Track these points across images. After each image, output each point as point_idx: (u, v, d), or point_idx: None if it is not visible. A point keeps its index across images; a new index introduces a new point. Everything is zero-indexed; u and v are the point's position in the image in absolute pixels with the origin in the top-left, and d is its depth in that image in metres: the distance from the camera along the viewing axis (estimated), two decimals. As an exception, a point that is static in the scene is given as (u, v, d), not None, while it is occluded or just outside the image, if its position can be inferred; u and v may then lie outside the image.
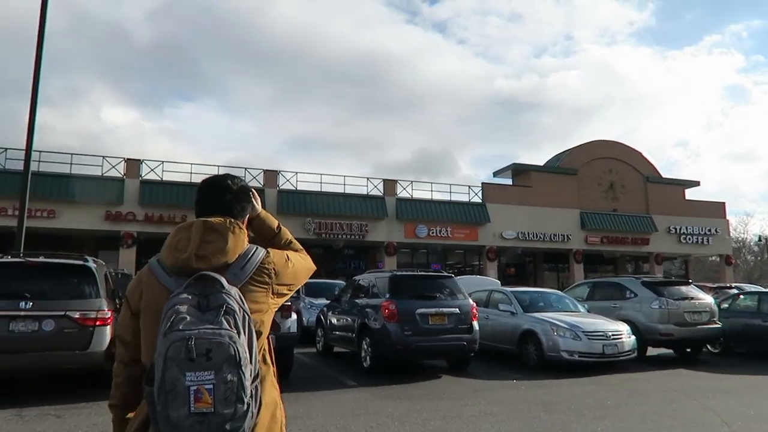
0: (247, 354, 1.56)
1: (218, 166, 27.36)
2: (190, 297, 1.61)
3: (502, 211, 30.45)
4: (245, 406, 1.53)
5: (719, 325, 11.16)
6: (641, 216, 33.63)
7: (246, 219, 1.99)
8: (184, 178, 26.46)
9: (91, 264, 7.86)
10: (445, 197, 30.70)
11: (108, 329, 7.37)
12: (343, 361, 10.74)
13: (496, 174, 34.37)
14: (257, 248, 1.84)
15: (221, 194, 1.92)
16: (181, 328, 1.52)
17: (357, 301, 10.30)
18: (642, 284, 11.53)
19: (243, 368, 1.53)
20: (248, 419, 1.55)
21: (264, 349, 1.81)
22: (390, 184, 29.57)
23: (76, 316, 7.20)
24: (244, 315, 1.62)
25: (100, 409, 6.39)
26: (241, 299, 1.64)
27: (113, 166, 25.41)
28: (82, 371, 7.33)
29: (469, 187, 31.22)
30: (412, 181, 30.26)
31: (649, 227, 33.41)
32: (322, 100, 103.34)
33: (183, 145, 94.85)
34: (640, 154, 35.42)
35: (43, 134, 79.80)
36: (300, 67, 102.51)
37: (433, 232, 29.18)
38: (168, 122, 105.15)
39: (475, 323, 9.46)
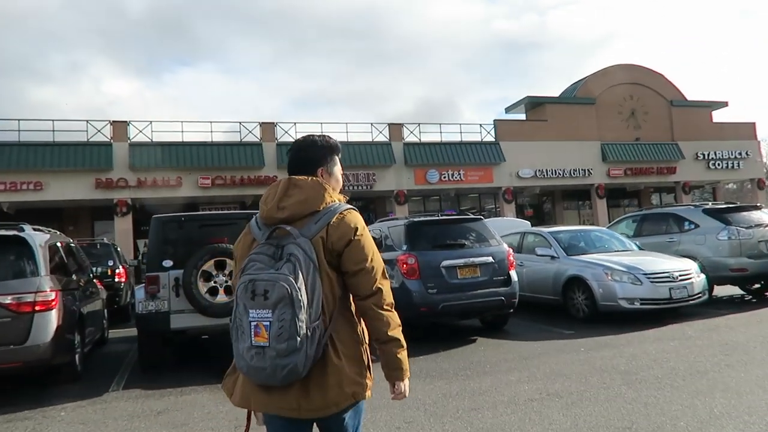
0: (304, 298, 1.74)
1: (210, 122, 25.48)
2: (268, 247, 1.85)
3: (518, 149, 28.39)
4: (297, 344, 1.70)
5: (798, 255, 9.42)
6: (666, 144, 31.41)
7: (327, 173, 2.09)
8: (175, 138, 24.64)
9: (28, 233, 6.20)
10: (456, 138, 28.64)
11: (53, 314, 5.78)
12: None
13: (508, 110, 32.14)
14: (337, 206, 1.94)
15: (300, 151, 2.10)
16: (249, 272, 1.79)
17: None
18: (704, 212, 9.72)
19: (297, 309, 1.70)
20: (300, 356, 1.71)
21: (350, 305, 1.95)
22: (396, 129, 27.53)
23: (8, 302, 5.59)
24: (309, 263, 1.79)
25: (46, 420, 4.86)
26: (310, 249, 1.81)
27: (99, 130, 23.59)
28: (22, 371, 5.78)
29: (481, 125, 29.09)
30: (419, 124, 28.20)
31: (676, 155, 31.25)
32: (322, 56, 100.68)
33: (186, 111, 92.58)
34: (663, 76, 32.86)
35: (47, 112, 77.70)
36: (298, 24, 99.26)
37: (444, 177, 27.30)
38: (168, 89, 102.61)
39: (513, 273, 7.78)
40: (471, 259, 7.44)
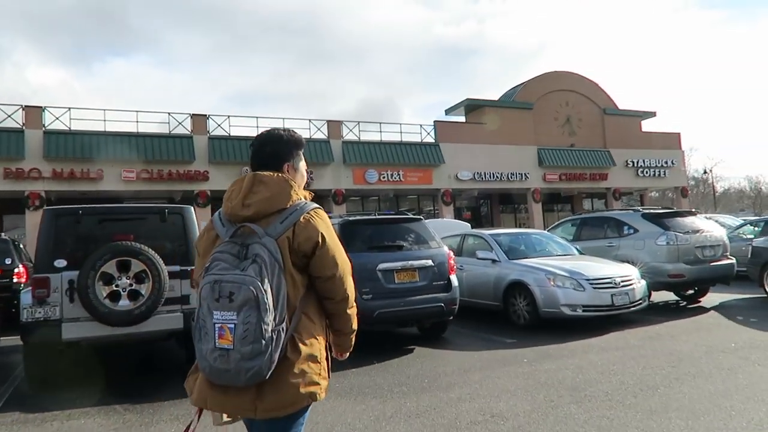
0: (270, 300, 1.71)
1: (136, 111, 23.89)
2: (232, 245, 1.81)
3: (457, 151, 28.32)
4: (263, 347, 1.68)
5: (732, 261, 9.45)
6: (599, 150, 32.26)
7: (293, 168, 2.07)
8: (97, 126, 22.96)
9: None
10: (396, 139, 28.24)
11: None
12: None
13: (448, 111, 32.07)
14: (303, 206, 1.91)
15: (265, 145, 2.06)
16: (213, 272, 1.75)
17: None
18: (643, 217, 9.62)
19: (263, 312, 1.69)
20: (265, 359, 1.69)
21: (310, 304, 1.91)
22: (335, 126, 26.84)
23: None
24: (274, 264, 1.76)
25: None
26: (275, 250, 1.78)
27: (9, 115, 21.60)
28: None
29: (421, 126, 28.84)
30: (358, 122, 27.61)
31: (608, 161, 32.14)
32: (262, 52, 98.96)
33: (117, 103, 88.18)
34: (596, 84, 33.75)
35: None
36: (237, 19, 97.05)
37: (384, 177, 26.84)
38: (99, 80, 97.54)
39: (454, 278, 7.30)
40: (410, 263, 6.90)
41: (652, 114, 35.31)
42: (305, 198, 1.98)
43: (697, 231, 9.22)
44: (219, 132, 24.69)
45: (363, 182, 26.61)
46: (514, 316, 8.18)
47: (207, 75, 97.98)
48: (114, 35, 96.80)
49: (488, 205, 33.59)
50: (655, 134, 34.87)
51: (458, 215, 28.63)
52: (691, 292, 9.90)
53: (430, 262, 7.01)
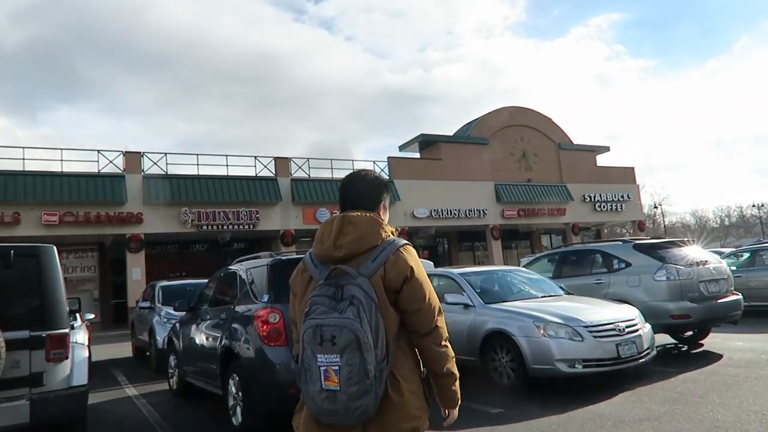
0: (371, 340, 1.75)
1: (61, 149, 21.63)
2: (327, 287, 1.84)
3: (412, 188, 27.07)
4: (368, 387, 1.73)
5: (740, 296, 8.15)
6: (556, 185, 31.67)
7: (384, 208, 2.13)
8: (14, 166, 20.54)
9: None
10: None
11: None
12: (205, 409, 6.61)
13: (402, 148, 30.96)
14: (392, 243, 1.94)
15: (360, 186, 2.09)
16: (313, 316, 1.80)
17: (220, 309, 6.18)
18: (635, 248, 8.26)
19: (365, 352, 1.73)
20: (371, 397, 1.75)
21: (404, 339, 1.93)
22: (282, 163, 25.21)
23: None
24: (371, 304, 1.79)
25: None
26: (369, 289, 1.82)
27: None
28: None
29: (374, 162, 27.60)
30: (308, 159, 26.11)
31: (565, 196, 31.53)
32: (212, 100, 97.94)
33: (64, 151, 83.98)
34: (550, 120, 33.45)
35: None
36: (186, 67, 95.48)
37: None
38: (45, 128, 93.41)
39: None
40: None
41: (606, 149, 35.24)
42: (392, 234, 2.01)
43: (699, 263, 7.89)
44: (155, 170, 22.66)
45: (314, 222, 24.90)
46: (495, 374, 6.56)
47: (156, 122, 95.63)
48: (60, 82, 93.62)
49: (446, 243, 32.31)
50: (611, 169, 34.70)
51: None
52: (689, 333, 8.55)
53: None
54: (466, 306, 7.08)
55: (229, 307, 5.87)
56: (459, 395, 2.03)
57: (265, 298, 5.13)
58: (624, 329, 6.22)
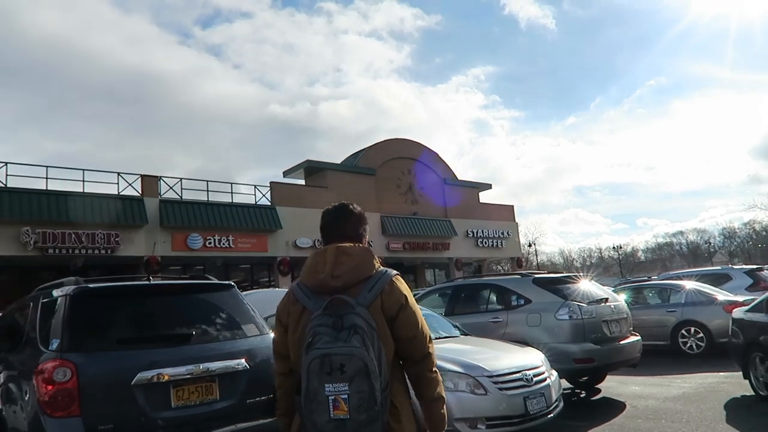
0: (377, 367, 1.78)
1: None
2: (327, 317, 1.84)
3: (295, 216, 25.55)
4: (376, 414, 1.76)
5: (639, 338, 7.58)
6: (441, 219, 31.65)
7: (365, 239, 2.25)
8: None
9: None
10: (226, 199, 24.72)
11: None
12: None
13: (286, 174, 29.44)
14: (385, 273, 2.03)
15: (344, 219, 2.20)
16: (318, 346, 1.78)
17: None
18: (535, 283, 7.47)
19: (373, 380, 1.75)
20: (378, 425, 1.78)
21: (397, 367, 2.01)
22: (150, 182, 22.63)
23: None
24: (372, 332, 1.83)
25: None
26: (369, 318, 1.86)
27: None
28: None
29: (256, 187, 25.74)
30: (181, 179, 23.71)
31: (449, 231, 31.57)
32: (85, 118, 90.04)
33: None
34: (437, 154, 33.67)
35: None
36: (55, 82, 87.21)
37: (210, 243, 23.00)
38: None
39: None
40: (203, 366, 3.75)
41: (489, 186, 36.09)
42: (381, 265, 2.07)
43: (601, 300, 7.25)
44: (-11, 182, 19.29)
45: (185, 248, 22.50)
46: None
47: (16, 139, 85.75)
48: None
49: (329, 276, 30.95)
50: (493, 206, 35.46)
51: (296, 287, 25.42)
52: (585, 378, 7.87)
53: (242, 363, 3.92)
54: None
55: (5, 356, 4.12)
56: (446, 418, 2.07)
57: (54, 344, 3.49)
58: (532, 379, 5.25)
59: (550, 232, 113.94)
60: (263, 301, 9.35)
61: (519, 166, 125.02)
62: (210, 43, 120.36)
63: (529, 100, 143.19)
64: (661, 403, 6.67)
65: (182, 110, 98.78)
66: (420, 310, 2.04)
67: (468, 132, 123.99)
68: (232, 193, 24.99)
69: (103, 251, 20.67)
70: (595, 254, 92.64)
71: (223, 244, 23.37)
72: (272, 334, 4.41)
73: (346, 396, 1.72)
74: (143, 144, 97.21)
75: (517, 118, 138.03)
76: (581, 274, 8.57)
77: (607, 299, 7.35)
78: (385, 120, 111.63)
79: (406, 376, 2.03)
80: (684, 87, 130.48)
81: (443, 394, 2.05)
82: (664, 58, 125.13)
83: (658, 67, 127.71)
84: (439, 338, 6.29)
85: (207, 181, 24.74)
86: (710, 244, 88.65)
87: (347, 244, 2.04)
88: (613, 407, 6.71)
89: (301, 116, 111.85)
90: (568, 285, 7.41)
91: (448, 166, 34.09)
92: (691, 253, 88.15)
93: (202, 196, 24.18)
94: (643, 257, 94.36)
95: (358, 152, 31.68)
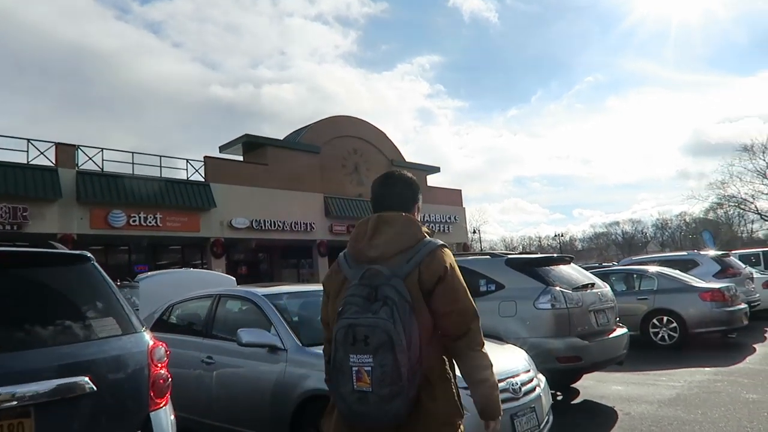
0: (404, 341, 1.68)
1: None
2: (362, 288, 1.78)
3: (232, 194, 23.63)
4: (400, 389, 1.67)
5: (626, 330, 6.44)
6: (388, 202, 30.36)
7: (418, 209, 2.09)
8: None
9: None
10: (154, 173, 22.50)
11: None
12: None
13: (223, 149, 27.30)
14: (428, 243, 1.88)
15: (394, 187, 2.06)
16: (346, 315, 1.74)
17: None
18: (509, 265, 6.18)
19: (398, 354, 1.66)
20: (403, 400, 1.68)
21: (438, 342, 1.86)
22: (66, 151, 20.16)
23: None
24: (404, 305, 1.73)
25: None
26: (403, 290, 1.76)
27: None
28: None
29: (188, 161, 23.58)
30: (102, 149, 21.29)
31: (396, 214, 30.34)
32: (18, 91, 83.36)
33: None
34: (385, 134, 32.30)
35: None
36: None
37: (135, 221, 20.82)
38: None
39: (164, 414, 2.75)
40: (6, 390, 2.20)
41: (437, 169, 35.06)
42: (427, 235, 1.95)
43: (587, 286, 6.05)
44: None
45: (105, 226, 20.26)
46: (313, 469, 3.88)
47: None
48: None
49: (268, 259, 29.15)
50: (441, 189, 34.47)
51: (233, 270, 23.52)
52: (569, 382, 6.68)
53: (82, 383, 2.38)
54: (273, 349, 4.31)
55: None
56: (499, 405, 1.89)
57: None
58: (520, 389, 3.94)
59: (491, 220, 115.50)
60: (175, 285, 7.73)
61: (462, 155, 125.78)
62: (149, 19, 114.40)
63: (472, 91, 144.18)
64: (657, 409, 5.55)
65: (119, 87, 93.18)
66: (464, 285, 1.87)
67: (413, 120, 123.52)
68: (161, 167, 22.77)
69: (8, 227, 18.20)
70: (535, 242, 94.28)
71: (150, 222, 21.23)
72: (146, 334, 2.88)
73: (369, 368, 1.67)
74: (78, 120, 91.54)
75: (461, 108, 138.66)
76: (568, 256, 7.35)
77: (593, 284, 6.16)
78: (330, 105, 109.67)
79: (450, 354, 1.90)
80: (620, 84, 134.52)
81: (492, 378, 1.86)
82: (605, 55, 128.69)
83: (598, 64, 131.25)
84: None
85: (132, 152, 22.42)
86: (644, 234, 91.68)
87: (390, 213, 1.95)
88: (601, 416, 5.53)
89: (245, 99, 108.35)
90: (548, 267, 6.16)
91: (396, 147, 32.79)
92: (626, 243, 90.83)
93: (127, 170, 21.88)
94: (580, 246, 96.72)
95: (301, 128, 29.88)
